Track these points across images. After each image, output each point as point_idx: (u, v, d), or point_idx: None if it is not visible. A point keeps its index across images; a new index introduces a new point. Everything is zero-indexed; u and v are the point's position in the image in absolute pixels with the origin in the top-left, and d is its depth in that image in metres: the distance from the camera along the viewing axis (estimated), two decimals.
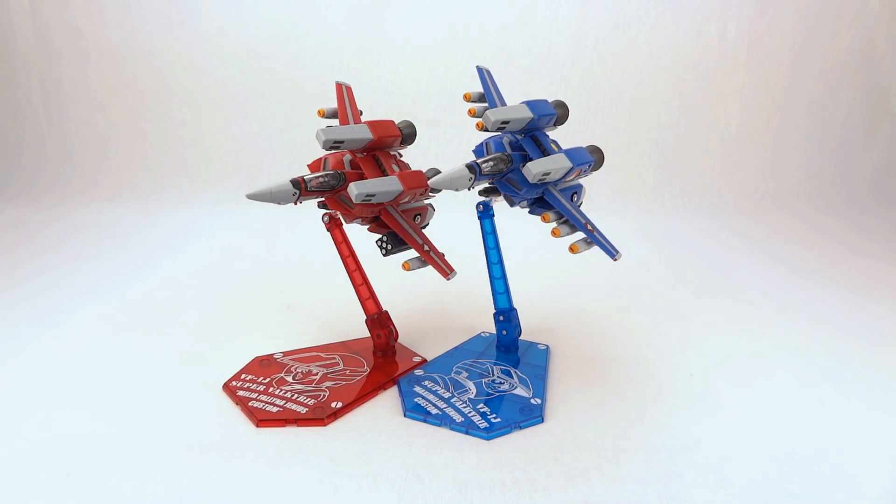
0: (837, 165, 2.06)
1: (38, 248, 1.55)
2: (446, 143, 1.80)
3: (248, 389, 0.85)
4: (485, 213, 0.91)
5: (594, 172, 0.90)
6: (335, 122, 0.91)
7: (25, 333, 1.05)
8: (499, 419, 0.78)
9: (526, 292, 1.05)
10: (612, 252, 0.79)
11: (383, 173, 0.81)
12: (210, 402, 0.83)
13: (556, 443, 0.75)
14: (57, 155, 2.02)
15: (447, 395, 0.84)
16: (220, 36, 1.91)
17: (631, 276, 1.37)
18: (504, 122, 0.76)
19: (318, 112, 0.93)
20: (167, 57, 1.93)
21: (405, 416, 0.80)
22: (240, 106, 1.94)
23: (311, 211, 0.88)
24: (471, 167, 0.75)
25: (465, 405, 0.81)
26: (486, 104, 0.90)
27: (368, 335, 0.96)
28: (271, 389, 0.85)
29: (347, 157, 0.83)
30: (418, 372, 0.91)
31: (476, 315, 1.09)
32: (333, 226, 0.89)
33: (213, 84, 1.94)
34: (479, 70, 0.94)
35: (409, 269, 0.80)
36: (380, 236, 0.85)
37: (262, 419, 0.78)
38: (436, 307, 1.18)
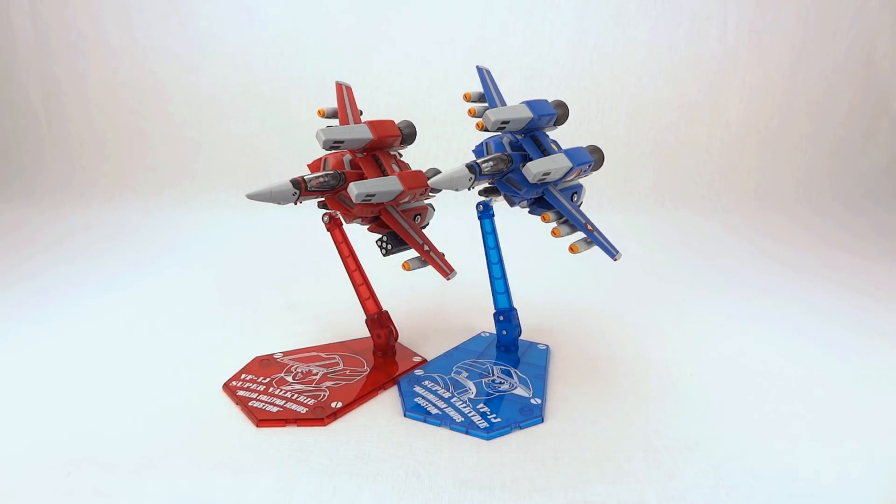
0: (837, 165, 2.06)
1: (39, 249, 1.55)
2: (446, 143, 1.80)
3: (248, 389, 0.85)
4: (485, 213, 0.91)
5: (594, 172, 0.90)
6: (335, 122, 0.91)
7: (26, 333, 1.05)
8: (499, 419, 0.78)
9: (526, 292, 1.05)
10: (612, 252, 0.79)
11: (383, 173, 0.81)
12: (210, 402, 0.83)
13: (556, 443, 0.75)
14: (57, 155, 2.02)
15: (447, 395, 0.84)
16: (220, 36, 1.92)
17: (631, 276, 1.37)
18: (504, 122, 0.76)
19: (318, 112, 0.93)
20: (167, 57, 1.93)
21: (405, 416, 0.80)
22: (240, 106, 1.94)
23: (311, 211, 0.88)
24: (471, 167, 0.75)
25: (465, 405, 0.81)
26: (486, 104, 0.90)
27: (368, 335, 0.96)
28: (271, 389, 0.85)
29: (347, 157, 0.83)
30: (418, 372, 0.91)
31: (476, 315, 1.09)
32: (333, 226, 0.89)
33: (213, 84, 1.94)
34: (479, 70, 0.94)
35: (409, 269, 0.80)
36: (380, 236, 0.85)
37: (262, 419, 0.78)
38: (436, 307, 1.18)
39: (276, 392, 0.84)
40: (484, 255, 0.93)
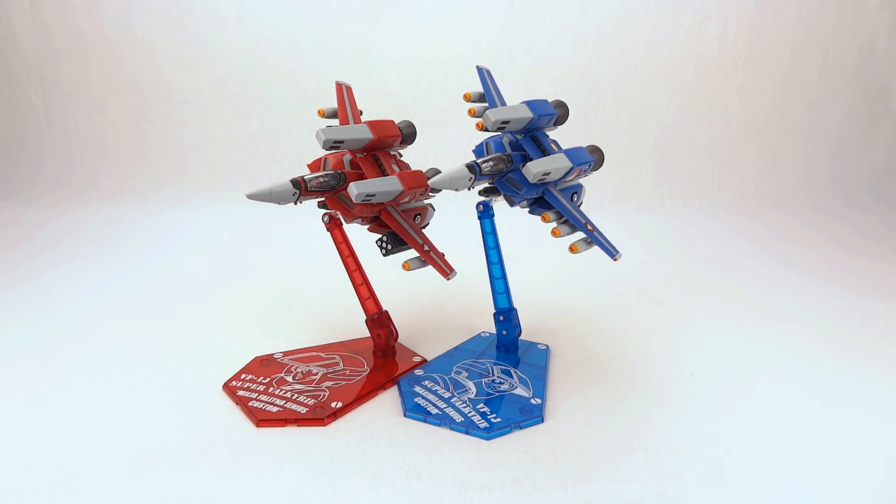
0: (837, 165, 2.06)
1: (38, 248, 1.55)
2: (446, 143, 1.80)
3: (248, 389, 0.85)
4: (485, 213, 0.91)
5: (594, 172, 0.90)
6: (335, 122, 0.91)
7: (25, 333, 1.05)
8: (499, 419, 0.78)
9: (526, 292, 1.06)
10: (612, 252, 0.79)
11: (383, 173, 0.81)
12: (210, 402, 0.83)
13: (556, 443, 0.75)
14: (57, 154, 2.02)
15: (447, 395, 0.84)
16: (220, 36, 1.91)
17: (631, 276, 1.37)
18: (504, 122, 0.76)
19: (318, 112, 0.93)
20: (167, 57, 1.93)
21: (405, 416, 0.80)
22: (240, 106, 1.94)
23: (311, 211, 0.88)
24: (471, 167, 0.75)
25: (465, 405, 0.81)
26: (486, 104, 0.90)
27: (368, 335, 0.96)
28: (271, 389, 0.85)
29: (347, 157, 0.83)
30: (418, 372, 0.91)
31: (476, 315, 1.09)
32: (333, 226, 0.89)
33: (213, 84, 1.94)
34: (479, 70, 0.94)
35: (409, 269, 0.80)
36: (380, 236, 0.85)
37: (262, 419, 0.78)
38: (436, 307, 1.18)
39: (276, 392, 0.84)
40: (484, 254, 0.93)
